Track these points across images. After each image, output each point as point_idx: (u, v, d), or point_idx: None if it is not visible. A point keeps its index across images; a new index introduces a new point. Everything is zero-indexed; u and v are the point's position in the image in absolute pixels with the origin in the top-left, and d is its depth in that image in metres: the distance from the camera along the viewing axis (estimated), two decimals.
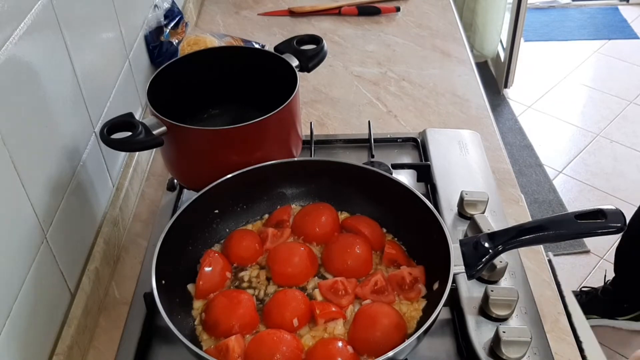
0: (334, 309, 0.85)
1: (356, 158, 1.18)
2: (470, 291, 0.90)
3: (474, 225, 0.95)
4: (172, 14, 1.41)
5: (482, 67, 3.39)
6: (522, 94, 3.25)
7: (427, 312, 0.84)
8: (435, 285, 0.85)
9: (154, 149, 1.19)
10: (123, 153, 1.13)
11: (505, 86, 3.25)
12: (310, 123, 1.23)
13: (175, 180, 1.12)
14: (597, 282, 2.29)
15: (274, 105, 0.96)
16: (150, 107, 0.96)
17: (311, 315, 0.85)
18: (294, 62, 1.07)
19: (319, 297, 0.88)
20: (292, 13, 1.73)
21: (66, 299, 0.89)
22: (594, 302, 2.14)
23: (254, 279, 0.92)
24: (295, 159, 1.06)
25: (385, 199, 0.96)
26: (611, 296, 2.12)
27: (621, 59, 3.51)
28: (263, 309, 0.86)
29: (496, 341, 0.82)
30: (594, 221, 0.80)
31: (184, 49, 1.39)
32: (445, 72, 1.49)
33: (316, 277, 0.91)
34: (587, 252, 2.40)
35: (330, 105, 1.39)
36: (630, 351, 2.07)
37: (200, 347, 0.82)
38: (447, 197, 1.05)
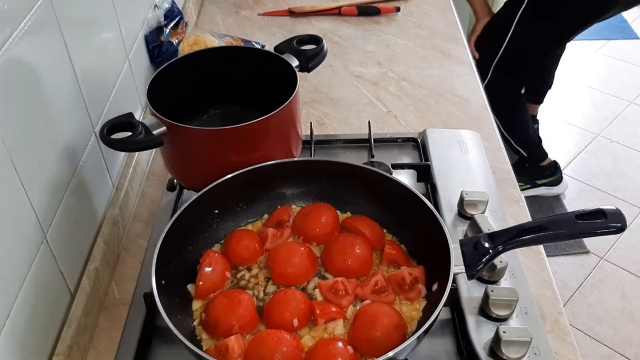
0: (334, 309, 0.85)
1: (356, 158, 1.18)
2: (470, 291, 0.90)
3: (474, 225, 0.95)
4: (172, 14, 1.41)
5: None
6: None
7: (427, 312, 0.84)
8: (435, 286, 0.85)
9: (154, 149, 1.19)
10: (123, 153, 1.13)
11: None
12: (310, 123, 1.23)
13: (175, 180, 1.11)
14: (598, 283, 2.29)
15: (274, 105, 0.96)
16: (150, 107, 0.96)
17: (311, 315, 0.85)
18: (294, 62, 1.07)
19: (319, 297, 0.88)
20: (292, 13, 1.73)
21: (66, 299, 0.89)
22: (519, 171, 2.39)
23: (253, 279, 0.92)
24: (295, 159, 1.05)
25: (385, 199, 0.96)
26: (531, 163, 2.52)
27: (621, 59, 3.51)
28: (263, 309, 0.86)
29: (496, 341, 0.82)
30: (594, 221, 0.80)
31: (184, 49, 1.39)
32: (445, 72, 1.49)
33: (316, 277, 0.91)
34: (587, 252, 2.40)
35: (330, 105, 1.39)
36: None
37: (200, 347, 0.82)
38: (447, 197, 1.05)
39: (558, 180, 2.60)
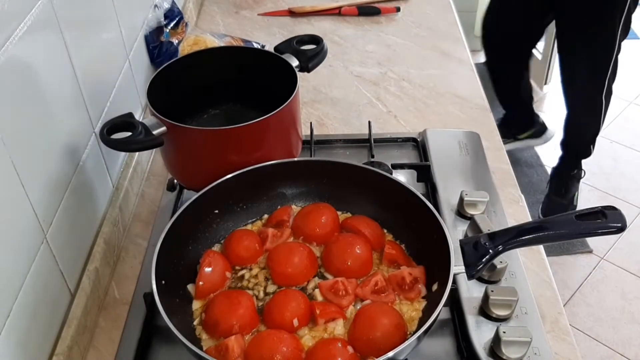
0: (334, 309, 0.85)
1: (356, 158, 1.18)
2: (470, 291, 0.90)
3: (474, 225, 0.95)
4: (172, 14, 1.41)
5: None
6: None
7: (427, 312, 0.84)
8: (435, 286, 0.85)
9: (154, 149, 1.19)
10: (123, 153, 1.13)
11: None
12: (310, 123, 1.23)
13: (175, 180, 1.12)
14: (598, 283, 2.29)
15: (274, 105, 0.96)
16: (150, 107, 0.96)
17: (311, 315, 0.85)
18: (294, 62, 1.07)
19: (319, 297, 0.88)
20: (292, 13, 1.73)
21: (66, 299, 0.89)
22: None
23: (253, 279, 0.92)
24: (295, 159, 1.05)
25: (385, 199, 0.96)
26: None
27: (621, 59, 3.51)
28: (263, 309, 0.86)
29: (496, 341, 0.82)
30: (594, 221, 0.80)
31: (184, 49, 1.39)
32: (445, 72, 1.49)
33: (316, 277, 0.91)
34: (590, 251, 2.40)
35: (330, 105, 1.39)
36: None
37: (200, 347, 0.82)
38: (447, 197, 1.05)
39: (541, 132, 2.72)
